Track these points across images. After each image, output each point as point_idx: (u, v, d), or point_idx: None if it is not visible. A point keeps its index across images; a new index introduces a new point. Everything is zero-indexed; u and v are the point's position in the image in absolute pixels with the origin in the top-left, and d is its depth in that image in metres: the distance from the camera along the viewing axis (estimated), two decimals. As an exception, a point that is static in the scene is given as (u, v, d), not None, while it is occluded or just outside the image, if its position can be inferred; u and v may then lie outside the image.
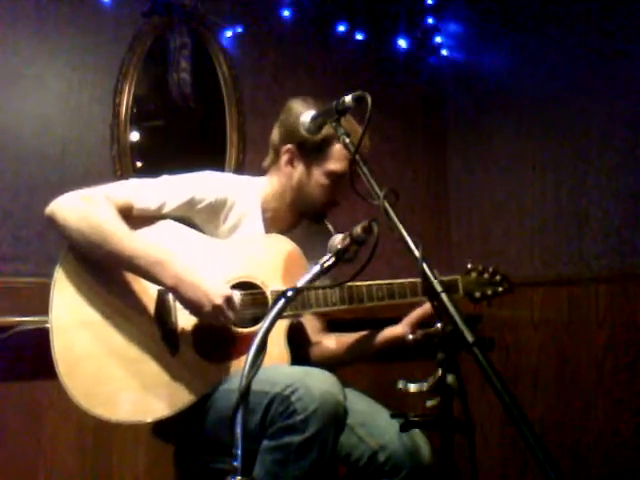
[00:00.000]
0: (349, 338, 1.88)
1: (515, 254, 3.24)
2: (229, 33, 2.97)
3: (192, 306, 1.61)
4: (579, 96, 3.02)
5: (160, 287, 1.65)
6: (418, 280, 1.78)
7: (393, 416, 1.25)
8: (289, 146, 1.82)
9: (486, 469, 3.14)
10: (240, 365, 1.28)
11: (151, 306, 1.67)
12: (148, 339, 1.65)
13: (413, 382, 1.19)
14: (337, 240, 1.40)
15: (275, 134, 1.88)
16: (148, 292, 1.68)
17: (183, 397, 1.63)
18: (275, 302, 1.24)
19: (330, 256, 1.37)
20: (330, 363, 1.82)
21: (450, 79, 3.59)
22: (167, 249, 1.66)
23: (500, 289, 1.89)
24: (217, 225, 1.79)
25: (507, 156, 3.34)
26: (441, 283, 1.20)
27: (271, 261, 1.77)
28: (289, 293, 1.26)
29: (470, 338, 1.10)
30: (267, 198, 1.88)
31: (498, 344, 3.04)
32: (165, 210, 1.74)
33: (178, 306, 1.65)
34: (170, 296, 1.65)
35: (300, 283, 1.31)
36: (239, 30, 2.99)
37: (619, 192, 2.88)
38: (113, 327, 1.63)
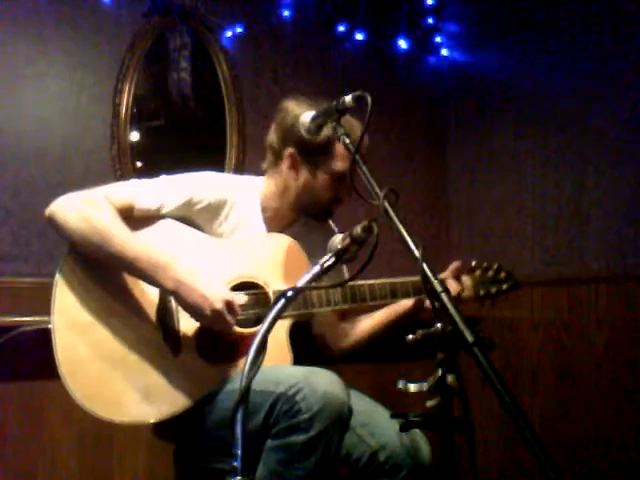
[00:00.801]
0: (370, 317, 1.93)
1: (515, 254, 3.24)
2: (229, 33, 2.98)
3: (192, 310, 1.60)
4: (579, 96, 3.02)
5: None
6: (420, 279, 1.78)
7: (393, 416, 1.25)
8: (291, 151, 1.81)
9: (486, 469, 3.14)
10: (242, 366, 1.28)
11: (153, 307, 1.67)
12: (150, 340, 1.65)
13: (413, 382, 1.18)
14: (337, 240, 1.40)
15: (273, 135, 1.86)
16: (150, 293, 1.67)
17: (185, 398, 1.63)
18: (275, 302, 1.24)
19: (330, 256, 1.37)
20: (363, 345, 1.92)
21: (450, 79, 3.59)
22: (168, 252, 1.65)
23: (505, 286, 1.89)
24: (218, 225, 1.79)
25: (507, 156, 3.34)
26: (441, 283, 1.20)
27: (272, 260, 1.76)
28: (289, 293, 1.26)
29: (470, 338, 1.11)
30: (267, 198, 1.87)
31: (498, 344, 3.02)
32: (165, 210, 1.73)
33: (180, 307, 1.65)
34: (172, 298, 1.65)
35: (300, 283, 1.31)
36: (239, 30, 2.99)
37: (619, 192, 2.88)
38: (115, 328, 1.63)
